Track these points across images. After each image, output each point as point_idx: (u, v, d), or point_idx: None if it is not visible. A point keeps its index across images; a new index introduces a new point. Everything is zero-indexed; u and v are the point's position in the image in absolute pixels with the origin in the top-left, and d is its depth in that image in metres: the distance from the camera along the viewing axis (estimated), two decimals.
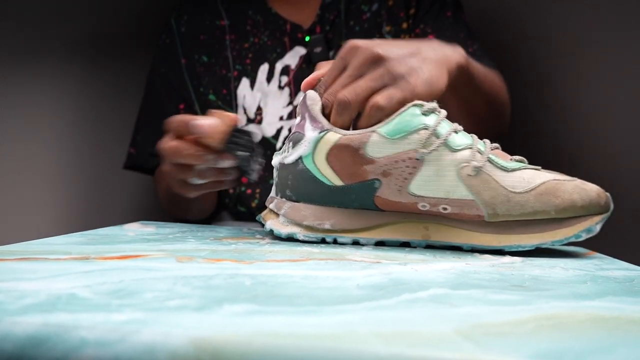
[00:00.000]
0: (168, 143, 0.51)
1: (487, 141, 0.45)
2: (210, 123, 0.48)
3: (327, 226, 0.45)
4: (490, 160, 0.43)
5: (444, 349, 0.20)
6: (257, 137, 0.49)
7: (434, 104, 0.44)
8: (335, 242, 0.46)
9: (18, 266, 0.30)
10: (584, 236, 0.44)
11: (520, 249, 0.44)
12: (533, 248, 0.44)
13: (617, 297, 0.30)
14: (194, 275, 0.30)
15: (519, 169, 0.44)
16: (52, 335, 0.20)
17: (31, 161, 1.01)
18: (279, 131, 0.77)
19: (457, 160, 0.43)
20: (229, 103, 0.79)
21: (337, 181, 0.44)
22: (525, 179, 0.43)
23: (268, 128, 0.76)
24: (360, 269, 0.34)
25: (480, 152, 0.43)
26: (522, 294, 0.29)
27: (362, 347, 0.20)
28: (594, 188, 0.44)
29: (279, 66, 0.79)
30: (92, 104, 1.05)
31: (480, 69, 0.62)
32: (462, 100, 0.59)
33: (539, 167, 0.45)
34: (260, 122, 0.77)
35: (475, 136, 0.45)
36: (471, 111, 0.63)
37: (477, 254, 0.43)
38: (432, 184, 0.43)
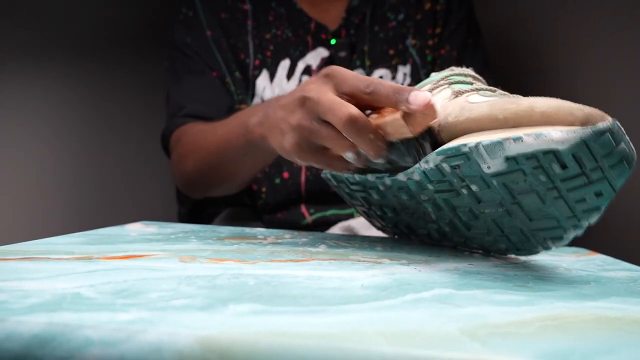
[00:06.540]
0: (347, 105, 0.39)
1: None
2: (432, 104, 0.37)
3: None
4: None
5: (450, 349, 0.20)
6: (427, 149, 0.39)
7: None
8: None
9: (21, 266, 0.30)
10: (511, 149, 0.31)
11: (446, 153, 0.35)
12: (453, 150, 0.35)
13: (620, 297, 0.30)
14: (197, 275, 0.30)
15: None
16: (57, 334, 0.20)
17: (31, 161, 1.01)
18: None
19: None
20: (244, 89, 0.77)
21: None
22: (500, 98, 0.35)
23: None
24: (363, 269, 0.34)
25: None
26: (526, 294, 0.29)
27: (368, 346, 0.20)
28: (580, 105, 0.31)
29: (300, 65, 0.76)
30: (93, 104, 1.05)
31: None
32: None
33: None
34: None
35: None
36: None
37: (479, 255, 0.43)
38: None
